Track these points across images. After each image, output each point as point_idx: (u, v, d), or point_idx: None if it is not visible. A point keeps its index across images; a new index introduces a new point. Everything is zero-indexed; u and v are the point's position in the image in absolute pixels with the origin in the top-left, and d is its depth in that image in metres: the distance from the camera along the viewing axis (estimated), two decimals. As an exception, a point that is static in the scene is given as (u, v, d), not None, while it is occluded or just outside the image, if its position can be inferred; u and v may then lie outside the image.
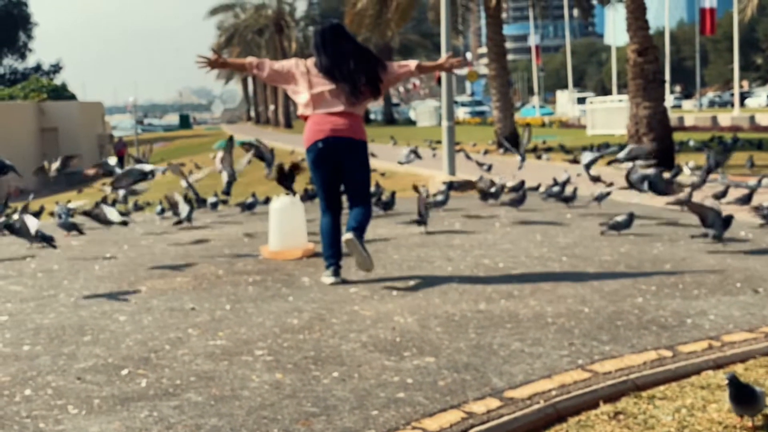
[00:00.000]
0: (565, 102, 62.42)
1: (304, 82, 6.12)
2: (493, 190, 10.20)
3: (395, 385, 3.71)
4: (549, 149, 20.82)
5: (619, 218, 7.61)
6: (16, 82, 57.89)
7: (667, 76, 39.67)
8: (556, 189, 10.29)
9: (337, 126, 6.04)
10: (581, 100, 54.58)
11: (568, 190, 10.17)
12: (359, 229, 5.96)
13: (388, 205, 10.21)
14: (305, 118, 6.17)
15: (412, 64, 6.34)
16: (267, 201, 11.31)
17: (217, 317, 5.03)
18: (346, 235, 5.84)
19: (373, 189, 9.68)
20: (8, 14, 70.89)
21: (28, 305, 5.54)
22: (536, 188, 10.94)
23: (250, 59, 6.36)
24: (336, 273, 6.07)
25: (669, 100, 28.16)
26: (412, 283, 5.85)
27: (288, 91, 6.33)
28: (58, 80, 61.58)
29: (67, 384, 3.85)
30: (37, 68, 71.90)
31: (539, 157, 16.82)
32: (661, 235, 7.58)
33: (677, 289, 5.39)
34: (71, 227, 8.69)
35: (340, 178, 6.14)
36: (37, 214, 11.18)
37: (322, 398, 3.56)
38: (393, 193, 10.55)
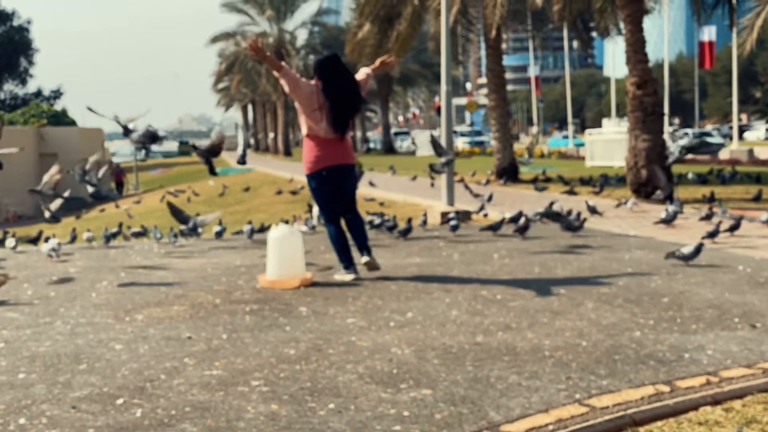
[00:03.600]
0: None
1: (316, 103, 7.12)
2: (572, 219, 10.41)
3: (392, 417, 3.70)
4: (548, 179, 20.84)
5: (686, 249, 7.62)
6: (16, 108, 58.08)
7: (666, 109, 39.84)
8: (571, 217, 10.35)
9: (337, 153, 7.24)
10: None
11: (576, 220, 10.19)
12: (368, 247, 7.40)
13: (407, 231, 10.56)
14: (310, 137, 7.17)
15: (366, 70, 7.50)
16: (262, 229, 11.31)
17: (213, 347, 5.01)
18: (364, 259, 7.34)
19: (379, 219, 11.10)
20: (9, 40, 71.19)
21: (24, 332, 5.52)
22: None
23: (284, 63, 7.27)
24: (355, 271, 7.36)
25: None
26: (409, 314, 5.83)
27: (302, 106, 7.16)
28: (58, 106, 61.84)
29: (62, 413, 3.83)
30: (38, 94, 72.12)
31: (538, 189, 16.82)
32: (659, 268, 7.57)
33: (675, 324, 5.38)
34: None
35: (338, 196, 7.32)
36: (35, 240, 11.20)
37: (318, 430, 3.54)
38: (410, 220, 10.87)
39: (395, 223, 10.86)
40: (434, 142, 11.16)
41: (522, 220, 10.36)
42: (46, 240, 9.90)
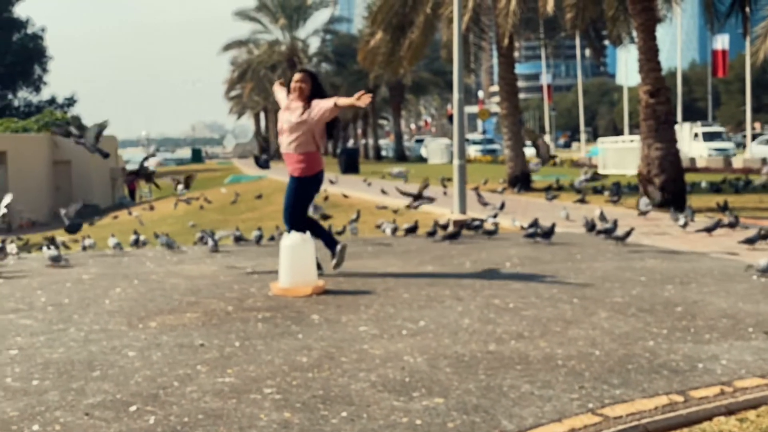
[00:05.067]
0: (683, 138, 46.71)
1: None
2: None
3: (404, 426, 3.69)
4: (561, 188, 20.79)
5: (763, 262, 7.59)
6: (30, 115, 58.24)
7: (679, 117, 39.75)
8: (609, 226, 10.36)
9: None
10: (711, 136, 44.98)
11: (622, 230, 10.18)
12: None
13: (454, 236, 10.83)
14: (318, 150, 8.07)
15: (332, 100, 8.04)
16: (272, 238, 11.35)
17: (226, 354, 5.02)
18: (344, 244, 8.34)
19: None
20: (24, 47, 71.52)
21: (38, 339, 5.54)
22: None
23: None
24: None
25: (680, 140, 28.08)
26: (421, 322, 5.83)
27: (323, 124, 8.06)
28: (72, 113, 62.03)
29: (75, 420, 3.84)
30: (52, 101, 72.37)
31: (549, 198, 16.78)
32: (673, 277, 7.55)
33: (689, 333, 5.36)
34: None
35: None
36: (53, 242, 11.18)
37: (331, 439, 3.54)
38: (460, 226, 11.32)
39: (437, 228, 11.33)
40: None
41: (544, 225, 10.48)
42: (49, 247, 9.94)
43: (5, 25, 70.35)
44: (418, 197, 11.81)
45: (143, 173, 8.96)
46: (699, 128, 45.85)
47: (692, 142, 44.38)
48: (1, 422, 3.84)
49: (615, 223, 10.46)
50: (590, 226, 10.83)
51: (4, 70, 70.45)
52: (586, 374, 4.44)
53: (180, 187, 10.45)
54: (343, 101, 8.07)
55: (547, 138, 66.43)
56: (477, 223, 11.43)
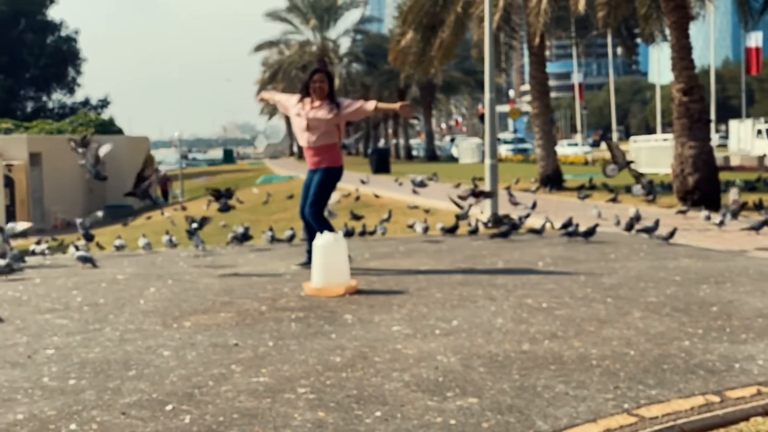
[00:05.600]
0: (745, 135, 45.18)
1: None
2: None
3: (438, 426, 3.69)
4: (593, 187, 20.68)
5: None
6: (64, 116, 58.88)
7: (713, 115, 39.31)
8: (650, 225, 10.31)
9: None
10: None
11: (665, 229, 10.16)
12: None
13: (506, 234, 10.96)
14: (338, 143, 8.47)
15: (373, 103, 8.55)
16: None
17: (260, 354, 5.04)
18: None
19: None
20: (58, 50, 72.28)
21: (74, 339, 5.59)
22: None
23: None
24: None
25: (714, 139, 27.68)
26: (454, 322, 5.83)
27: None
28: (105, 115, 62.50)
29: (112, 419, 3.88)
30: (85, 103, 73.06)
31: (581, 197, 16.69)
32: (708, 277, 7.49)
33: (725, 333, 5.31)
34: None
35: None
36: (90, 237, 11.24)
37: (365, 438, 3.55)
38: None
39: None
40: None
41: (580, 225, 10.51)
42: (77, 248, 10.03)
43: (39, 28, 71.15)
44: (477, 195, 11.79)
45: (140, 192, 8.98)
46: (763, 125, 43.79)
47: (755, 140, 42.70)
48: (39, 421, 3.88)
49: (657, 222, 10.38)
50: (629, 226, 10.76)
51: (39, 72, 71.28)
52: (621, 374, 4.41)
53: (197, 242, 10.40)
54: (382, 105, 8.70)
55: (578, 137, 66.14)
56: (514, 222, 11.41)
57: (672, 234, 9.88)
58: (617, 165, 11.51)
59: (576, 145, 62.98)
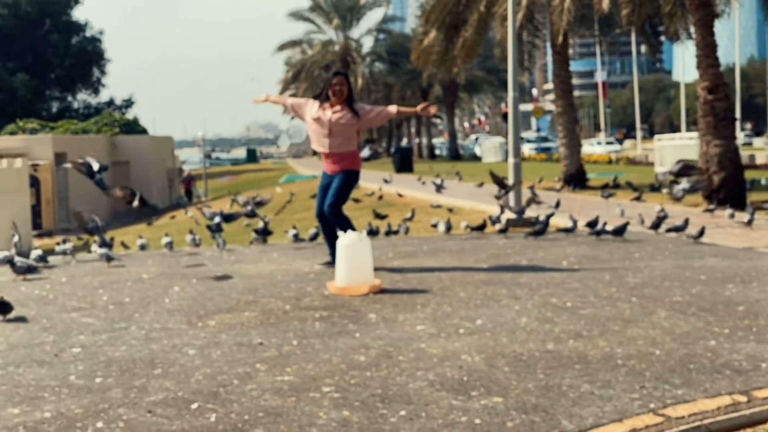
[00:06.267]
0: None
1: None
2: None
3: (463, 425, 3.69)
4: (617, 186, 20.58)
5: None
6: (89, 117, 59.27)
7: (738, 114, 39.03)
8: (680, 224, 10.27)
9: None
10: None
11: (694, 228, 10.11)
12: None
13: (540, 233, 10.89)
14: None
15: (394, 108, 8.71)
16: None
17: (284, 353, 5.06)
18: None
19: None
20: (83, 50, 72.83)
21: (100, 337, 5.63)
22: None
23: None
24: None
25: (740, 137, 27.29)
26: (479, 321, 5.82)
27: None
28: (129, 115, 63.00)
29: (138, 417, 3.90)
30: (110, 103, 73.61)
31: (605, 196, 16.63)
32: (734, 276, 7.43)
33: (751, 333, 5.28)
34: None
35: None
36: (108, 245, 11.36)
37: (390, 437, 3.55)
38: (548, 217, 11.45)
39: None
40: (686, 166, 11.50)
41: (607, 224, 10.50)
42: (101, 246, 10.08)
43: (64, 29, 71.73)
44: (531, 200, 11.96)
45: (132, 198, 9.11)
46: None
47: None
48: (67, 419, 3.91)
49: (686, 221, 10.31)
50: (655, 224, 10.71)
51: (64, 72, 71.89)
52: (646, 374, 4.39)
53: (221, 242, 10.51)
54: (404, 110, 8.96)
55: (601, 136, 65.86)
56: (546, 220, 11.38)
57: (701, 233, 9.82)
58: (691, 185, 11.53)
59: (611, 143, 62.54)
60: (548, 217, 11.50)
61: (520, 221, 11.98)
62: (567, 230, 11.20)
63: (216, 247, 10.73)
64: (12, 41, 67.49)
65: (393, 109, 8.67)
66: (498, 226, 11.43)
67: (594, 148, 55.78)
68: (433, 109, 8.41)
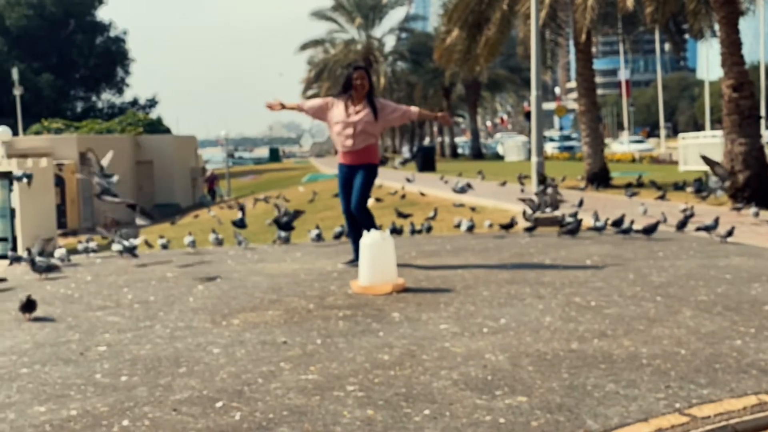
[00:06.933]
0: None
1: None
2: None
3: (487, 424, 3.69)
4: (641, 185, 20.47)
5: None
6: (113, 116, 59.62)
7: (763, 112, 38.70)
8: (710, 224, 10.19)
9: None
10: None
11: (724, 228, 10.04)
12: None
13: (573, 231, 10.82)
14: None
15: (416, 111, 8.88)
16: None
17: (308, 351, 5.07)
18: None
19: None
20: (107, 50, 73.26)
21: (125, 336, 5.67)
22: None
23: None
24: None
25: (765, 135, 27.11)
26: (502, 320, 5.81)
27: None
28: (153, 114, 63.23)
29: (164, 415, 3.92)
30: (134, 103, 74.04)
31: (629, 195, 16.55)
32: (760, 275, 7.37)
33: (778, 332, 5.23)
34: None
35: None
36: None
37: (415, 436, 3.55)
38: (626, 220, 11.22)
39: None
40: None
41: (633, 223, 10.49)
42: (120, 242, 10.15)
43: (89, 29, 72.17)
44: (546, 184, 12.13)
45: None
46: None
47: None
48: (92, 417, 3.94)
49: (716, 220, 10.22)
50: (682, 223, 10.65)
51: (88, 72, 72.34)
52: (671, 373, 4.37)
53: (240, 239, 10.64)
54: (424, 113, 9.21)
55: (625, 134, 65.52)
56: (561, 219, 11.38)
57: (730, 232, 9.74)
58: (720, 177, 11.49)
59: (641, 141, 61.98)
60: (575, 215, 11.44)
61: (549, 220, 11.92)
62: (596, 229, 11.07)
63: (238, 245, 10.77)
64: (37, 41, 67.99)
65: (415, 110, 8.82)
66: (526, 224, 11.39)
67: (623, 146, 55.38)
68: (450, 121, 8.69)
